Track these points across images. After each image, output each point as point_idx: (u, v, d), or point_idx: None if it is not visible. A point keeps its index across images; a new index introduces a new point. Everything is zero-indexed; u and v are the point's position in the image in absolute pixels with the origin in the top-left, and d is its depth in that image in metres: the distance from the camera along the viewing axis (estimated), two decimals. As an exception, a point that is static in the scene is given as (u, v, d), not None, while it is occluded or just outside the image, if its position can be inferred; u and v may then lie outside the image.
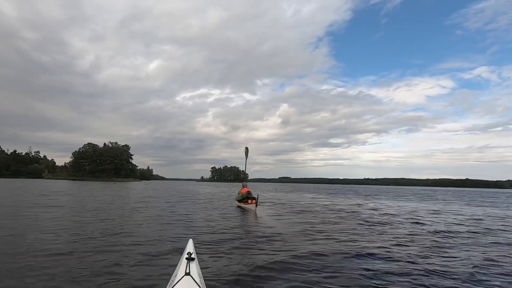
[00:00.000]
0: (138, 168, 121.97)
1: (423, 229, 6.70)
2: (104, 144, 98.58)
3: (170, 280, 2.01)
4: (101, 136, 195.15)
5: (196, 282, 1.82)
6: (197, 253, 2.67)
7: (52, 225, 5.97)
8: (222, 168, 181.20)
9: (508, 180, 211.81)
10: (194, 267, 2.04)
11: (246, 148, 12.95)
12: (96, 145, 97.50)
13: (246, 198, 10.51)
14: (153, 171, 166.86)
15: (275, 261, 3.64)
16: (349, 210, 11.10)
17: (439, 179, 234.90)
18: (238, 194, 11.16)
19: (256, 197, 10.05)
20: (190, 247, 2.58)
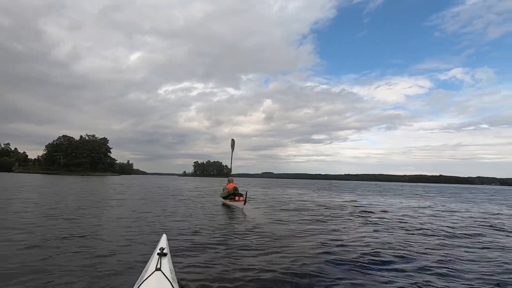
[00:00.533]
0: (118, 162, 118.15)
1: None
2: (81, 136, 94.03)
3: (140, 276, 1.92)
4: (80, 129, 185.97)
5: (167, 278, 1.75)
6: (170, 248, 2.59)
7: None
8: (205, 163, 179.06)
9: (478, 176, 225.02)
10: (166, 263, 1.96)
11: (232, 141, 11.78)
12: (72, 137, 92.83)
13: (232, 194, 9.53)
14: (134, 165, 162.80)
15: (256, 259, 3.48)
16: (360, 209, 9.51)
17: (415, 175, 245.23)
18: (224, 190, 10.03)
19: (243, 193, 9.13)
20: (163, 242, 2.49)
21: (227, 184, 10.10)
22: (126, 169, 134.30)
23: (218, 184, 30.59)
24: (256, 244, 4.18)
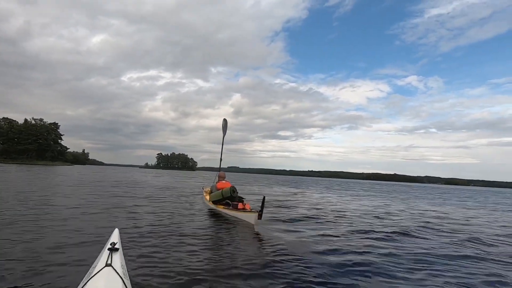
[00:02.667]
0: (71, 151, 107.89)
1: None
2: (26, 120, 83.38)
3: (88, 271, 1.81)
4: (28, 113, 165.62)
5: (118, 273, 1.64)
6: (123, 244, 2.56)
7: None
8: (169, 155, 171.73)
9: (426, 176, 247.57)
10: (118, 258, 1.85)
11: (225, 121, 9.03)
12: (15, 121, 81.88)
13: (229, 198, 6.40)
14: (90, 155, 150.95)
15: (212, 253, 3.42)
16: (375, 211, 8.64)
17: (372, 173, 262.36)
18: (213, 190, 7.07)
19: (243, 198, 6.56)
20: (114, 237, 2.31)
21: (218, 181, 7.13)
22: (81, 159, 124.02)
23: (184, 177, 28.44)
24: (215, 239, 4.06)
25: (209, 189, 8.25)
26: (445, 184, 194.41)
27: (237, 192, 6.52)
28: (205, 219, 5.84)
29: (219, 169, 8.53)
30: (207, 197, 7.48)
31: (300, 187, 22.79)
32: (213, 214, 6.38)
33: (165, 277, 2.56)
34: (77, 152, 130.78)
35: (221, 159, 8.98)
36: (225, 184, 6.86)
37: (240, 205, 5.99)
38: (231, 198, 6.41)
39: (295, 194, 14.92)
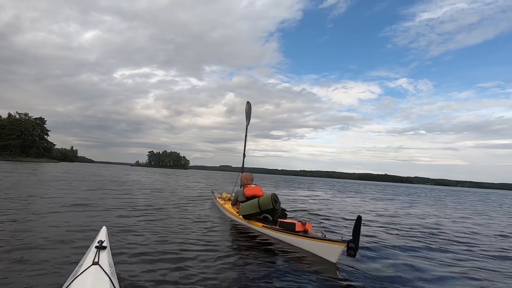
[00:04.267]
0: (58, 148, 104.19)
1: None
2: (9, 114, 79.40)
3: (74, 270, 1.76)
4: (15, 109, 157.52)
5: (105, 272, 1.60)
6: (111, 242, 2.46)
7: None
8: (161, 153, 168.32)
9: (416, 176, 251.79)
10: (105, 256, 1.79)
11: (248, 104, 6.90)
12: (-2, 115, 77.88)
13: (269, 212, 4.32)
14: (79, 152, 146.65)
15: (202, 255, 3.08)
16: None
17: (363, 173, 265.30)
18: (239, 198, 5.00)
19: (286, 211, 4.71)
20: (102, 235, 2.21)
21: (245, 186, 4.89)
22: (69, 156, 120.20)
23: (175, 177, 26.72)
24: (205, 240, 3.68)
25: (228, 195, 6.69)
26: (434, 185, 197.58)
27: (280, 203, 4.34)
28: (235, 238, 4.10)
29: (242, 169, 6.42)
30: (227, 206, 5.71)
31: (307, 188, 21.40)
32: (243, 231, 4.38)
33: (154, 277, 2.44)
34: (65, 149, 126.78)
35: (244, 155, 6.69)
36: (255, 190, 4.74)
37: (298, 226, 3.64)
38: (271, 212, 4.29)
39: (318, 197, 13.39)
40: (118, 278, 1.85)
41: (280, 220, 4.04)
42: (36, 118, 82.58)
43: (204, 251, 3.25)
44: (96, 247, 1.84)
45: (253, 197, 4.64)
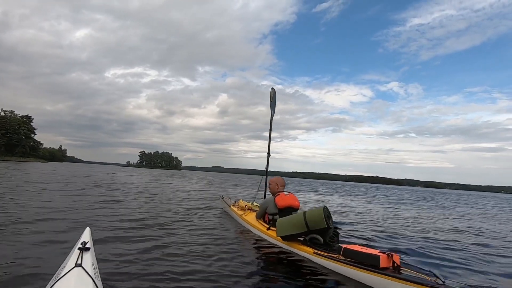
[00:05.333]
0: (46, 147, 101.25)
1: None
2: (-6, 112, 76.46)
3: (56, 272, 1.67)
4: (2, 106, 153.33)
5: (88, 274, 1.53)
6: (95, 243, 2.25)
7: None
8: (152, 153, 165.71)
9: (406, 178, 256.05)
10: (89, 258, 1.73)
11: (273, 91, 5.63)
12: (-18, 112, 74.92)
13: (320, 232, 3.00)
14: (68, 152, 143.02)
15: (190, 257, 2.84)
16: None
17: (355, 175, 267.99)
18: (269, 209, 3.84)
19: (338, 228, 3.25)
20: (86, 236, 2.10)
21: (276, 194, 3.81)
22: (57, 156, 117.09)
23: (165, 177, 25.85)
24: (192, 242, 3.43)
25: (247, 204, 5.12)
26: (423, 187, 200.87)
27: (332, 218, 3.10)
28: (270, 266, 2.86)
29: (266, 171, 5.12)
30: (250, 219, 4.34)
31: (311, 191, 20.79)
32: (283, 258, 3.03)
33: (140, 279, 2.27)
34: (53, 148, 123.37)
35: (268, 154, 5.31)
36: (290, 200, 3.69)
37: (383, 259, 2.33)
38: (323, 232, 2.99)
39: (335, 202, 12.72)
40: (102, 281, 1.75)
41: (344, 247, 2.68)
42: (22, 116, 79.89)
43: (217, 274, 2.46)
44: (79, 248, 1.76)
45: (289, 209, 3.62)
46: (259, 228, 3.94)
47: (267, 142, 5.41)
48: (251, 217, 4.41)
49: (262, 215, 4.05)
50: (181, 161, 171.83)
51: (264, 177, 5.19)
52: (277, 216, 3.63)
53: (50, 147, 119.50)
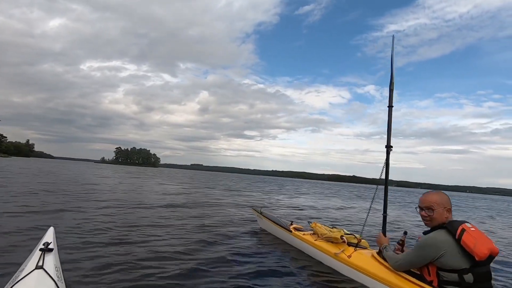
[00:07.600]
0: (11, 141, 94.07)
1: None
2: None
3: (15, 275, 1.60)
4: None
5: (50, 276, 1.48)
6: (59, 244, 2.21)
7: None
8: (129, 149, 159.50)
9: (381, 178, 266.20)
10: (51, 259, 1.66)
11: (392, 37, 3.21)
12: None
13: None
14: (36, 146, 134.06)
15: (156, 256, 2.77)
16: None
17: (333, 174, 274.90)
18: (444, 253, 1.75)
19: None
20: (49, 236, 2.02)
21: (458, 228, 1.77)
22: (24, 150, 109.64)
23: (144, 176, 24.60)
24: (162, 243, 3.29)
25: (345, 234, 2.90)
26: (396, 186, 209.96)
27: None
28: None
29: (386, 177, 2.91)
30: (380, 273, 2.21)
31: (302, 192, 18.84)
32: None
33: (107, 282, 2.15)
34: (19, 142, 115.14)
35: (390, 146, 2.89)
36: (487, 242, 1.73)
37: None
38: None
39: (349, 209, 10.22)
40: (65, 283, 1.67)
41: None
42: (-16, 107, 73.59)
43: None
44: (41, 249, 1.70)
45: (489, 259, 1.75)
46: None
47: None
48: (364, 261, 2.43)
49: (413, 266, 2.04)
50: (159, 158, 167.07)
51: (383, 186, 2.94)
52: (470, 275, 1.74)
53: (15, 141, 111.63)
